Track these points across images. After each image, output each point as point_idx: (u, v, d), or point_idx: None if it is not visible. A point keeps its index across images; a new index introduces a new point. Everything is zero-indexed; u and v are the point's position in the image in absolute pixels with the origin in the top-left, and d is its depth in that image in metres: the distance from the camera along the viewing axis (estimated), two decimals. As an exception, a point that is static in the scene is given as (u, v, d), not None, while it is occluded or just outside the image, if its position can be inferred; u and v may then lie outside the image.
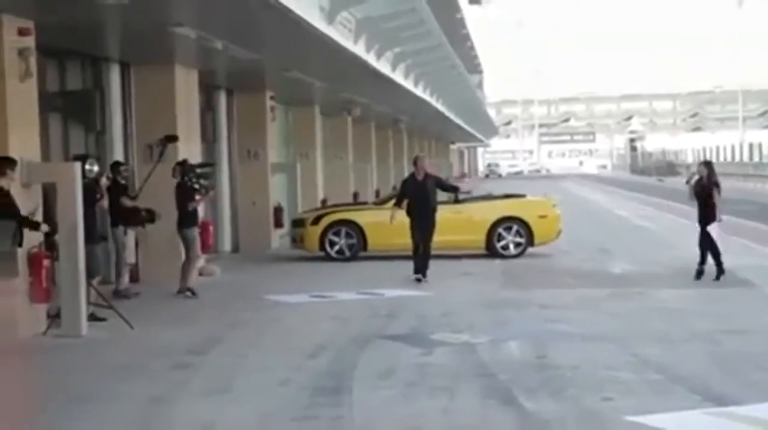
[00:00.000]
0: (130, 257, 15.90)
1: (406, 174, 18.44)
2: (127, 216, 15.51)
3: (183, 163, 16.06)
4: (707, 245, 16.10)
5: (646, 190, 58.61)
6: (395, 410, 8.21)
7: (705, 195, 16.06)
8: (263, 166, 23.22)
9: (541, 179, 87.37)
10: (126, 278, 15.70)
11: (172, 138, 16.74)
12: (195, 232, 15.86)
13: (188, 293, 15.36)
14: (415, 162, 17.48)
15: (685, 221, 30.63)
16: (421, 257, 16.86)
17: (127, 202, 15.56)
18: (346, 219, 20.95)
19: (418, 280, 16.57)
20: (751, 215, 32.37)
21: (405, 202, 17.12)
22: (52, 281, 12.16)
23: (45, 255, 11.97)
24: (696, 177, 16.39)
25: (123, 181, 15.76)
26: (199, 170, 16.17)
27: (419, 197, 16.83)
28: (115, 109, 17.24)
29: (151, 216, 15.66)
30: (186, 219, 15.74)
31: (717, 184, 16.16)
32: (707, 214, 16.05)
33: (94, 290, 12.81)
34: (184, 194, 15.75)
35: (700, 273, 16.10)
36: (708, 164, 16.65)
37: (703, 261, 16.12)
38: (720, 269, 16.01)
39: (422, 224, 16.83)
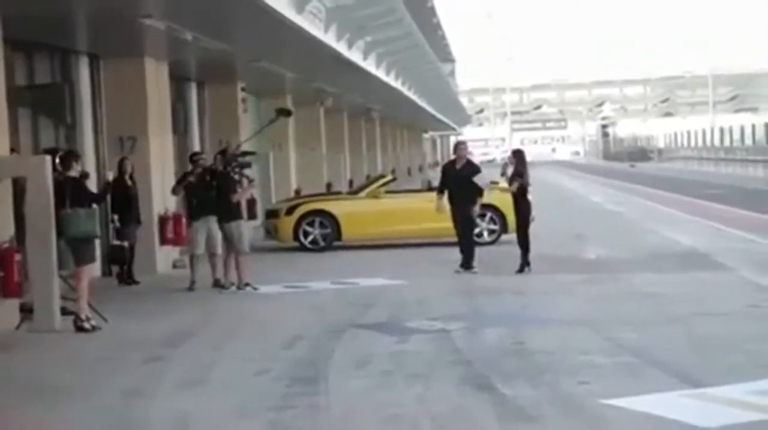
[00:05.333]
0: (217, 247, 15.26)
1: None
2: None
3: (224, 152, 15.45)
4: (525, 236, 16.03)
5: (619, 175, 58.83)
6: (372, 399, 8.18)
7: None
8: (236, 158, 23.07)
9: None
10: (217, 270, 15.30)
11: (286, 112, 16.64)
12: (241, 226, 15.03)
13: (248, 288, 14.80)
14: (455, 149, 16.97)
15: (657, 206, 30.83)
16: (465, 246, 16.33)
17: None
18: (320, 209, 20.90)
19: (474, 272, 15.98)
20: (722, 198, 32.58)
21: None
22: (24, 275, 12.06)
23: (16, 250, 11.87)
24: (510, 168, 16.21)
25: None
26: (240, 160, 15.37)
27: (459, 185, 16.25)
28: (85, 102, 17.09)
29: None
30: (229, 212, 14.99)
31: (520, 175, 15.99)
32: (518, 204, 16.09)
33: (65, 283, 12.70)
34: (227, 185, 15.04)
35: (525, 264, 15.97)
36: (515, 153, 16.57)
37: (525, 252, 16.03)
38: (526, 261, 15.94)
39: (463, 212, 16.26)
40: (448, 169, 16.83)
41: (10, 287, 11.69)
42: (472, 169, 16.49)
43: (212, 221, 15.25)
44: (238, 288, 14.90)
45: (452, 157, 17.20)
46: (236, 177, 15.18)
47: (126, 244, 15.70)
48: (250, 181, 15.66)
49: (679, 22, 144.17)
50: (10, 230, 11.95)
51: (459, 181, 16.31)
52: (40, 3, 12.36)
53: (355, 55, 24.37)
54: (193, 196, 15.50)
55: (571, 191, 43.12)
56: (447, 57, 69.70)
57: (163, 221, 17.40)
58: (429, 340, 10.69)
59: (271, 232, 21.32)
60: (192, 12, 14.54)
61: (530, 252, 16.02)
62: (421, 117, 59.64)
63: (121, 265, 15.98)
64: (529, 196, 16.33)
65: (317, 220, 20.73)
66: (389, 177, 23.65)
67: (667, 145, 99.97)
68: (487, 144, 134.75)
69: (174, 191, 16.53)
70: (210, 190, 15.21)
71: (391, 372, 9.14)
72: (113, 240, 15.88)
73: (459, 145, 17.31)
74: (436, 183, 20.16)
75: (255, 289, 14.88)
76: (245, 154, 15.99)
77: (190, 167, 15.93)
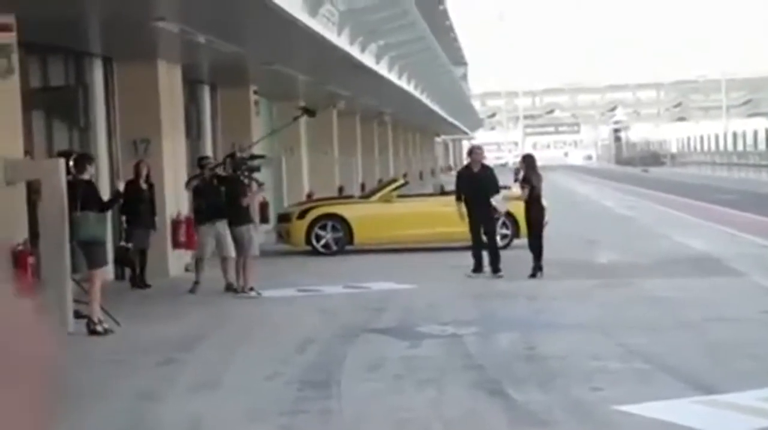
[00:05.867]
0: (229, 251, 15.20)
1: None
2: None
3: (233, 156, 15.46)
4: (538, 243, 15.96)
5: (631, 180, 58.72)
6: (384, 403, 8.19)
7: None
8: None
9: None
10: (229, 274, 15.33)
11: (311, 112, 16.75)
12: (251, 229, 15.07)
13: (253, 293, 14.73)
14: (470, 153, 16.98)
15: (670, 211, 30.77)
16: (489, 251, 16.22)
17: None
18: (332, 213, 20.91)
19: (500, 277, 15.86)
20: (735, 203, 32.50)
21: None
22: (37, 277, 12.09)
23: (30, 252, 11.90)
24: (521, 173, 16.20)
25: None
26: (249, 163, 15.35)
27: (475, 190, 16.14)
28: (99, 105, 17.15)
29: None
30: (239, 216, 14.96)
31: (527, 180, 15.96)
32: (530, 209, 16.01)
33: (78, 286, 12.73)
34: (237, 189, 15.04)
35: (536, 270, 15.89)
36: (525, 158, 16.56)
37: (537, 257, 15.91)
38: (538, 266, 15.82)
39: (481, 217, 16.14)
40: (464, 174, 16.74)
41: (23, 289, 11.69)
42: (488, 172, 16.48)
43: (222, 225, 15.25)
44: (243, 291, 14.88)
45: (466, 161, 17.12)
46: (245, 181, 15.19)
47: (130, 245, 15.68)
48: (260, 185, 15.65)
49: (688, 25, 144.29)
50: (24, 233, 11.99)
51: (476, 185, 16.24)
52: (54, 6, 12.40)
53: (367, 59, 24.39)
54: (202, 199, 15.51)
55: (583, 196, 43.07)
56: (459, 60, 69.73)
57: (175, 224, 17.43)
58: (441, 344, 10.69)
59: (283, 236, 21.32)
60: (205, 15, 14.57)
61: (543, 257, 16.00)
62: (433, 121, 59.64)
63: (129, 267, 15.99)
64: (544, 201, 16.32)
65: (329, 224, 20.74)
66: (401, 181, 23.66)
67: (679, 149, 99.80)
68: (500, 148, 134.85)
69: (186, 187, 16.56)
70: (218, 194, 15.23)
71: (402, 377, 9.14)
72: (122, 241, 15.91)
73: (474, 150, 17.24)
74: (448, 187, 20.15)
75: (258, 294, 14.81)
76: (254, 157, 15.98)
77: (198, 171, 15.94)
